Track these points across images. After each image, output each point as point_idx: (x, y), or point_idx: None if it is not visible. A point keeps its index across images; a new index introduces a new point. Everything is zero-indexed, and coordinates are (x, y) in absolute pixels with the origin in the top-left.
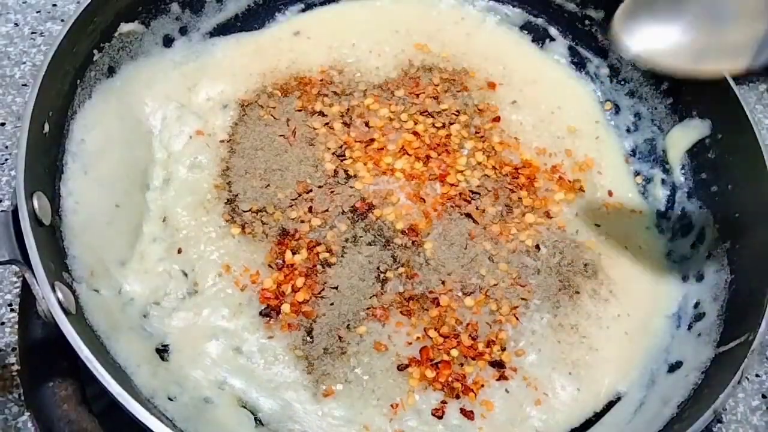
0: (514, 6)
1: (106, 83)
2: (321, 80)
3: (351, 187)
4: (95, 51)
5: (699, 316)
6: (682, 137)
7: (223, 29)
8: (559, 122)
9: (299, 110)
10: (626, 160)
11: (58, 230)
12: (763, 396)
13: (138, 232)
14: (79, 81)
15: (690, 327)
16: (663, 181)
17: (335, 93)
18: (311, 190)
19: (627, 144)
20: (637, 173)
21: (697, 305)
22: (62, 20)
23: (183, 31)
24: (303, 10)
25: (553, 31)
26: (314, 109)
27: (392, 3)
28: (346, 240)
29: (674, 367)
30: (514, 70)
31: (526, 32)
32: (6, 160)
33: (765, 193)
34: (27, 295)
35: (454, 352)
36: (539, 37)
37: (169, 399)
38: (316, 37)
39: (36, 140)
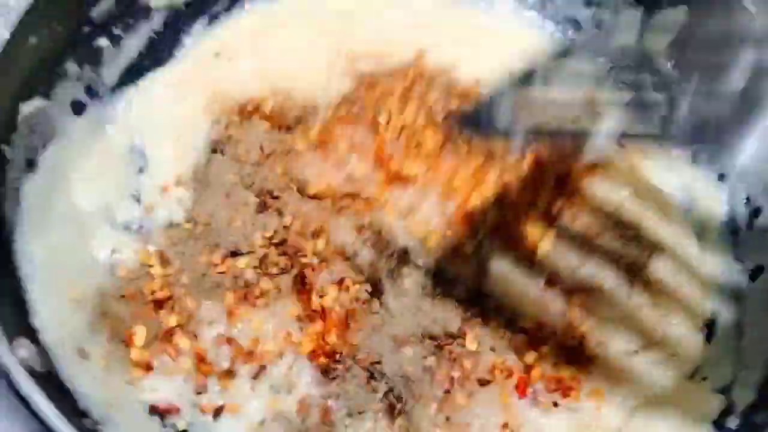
0: None
1: (30, 180)
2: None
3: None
4: (4, 146)
5: (755, 212)
6: (659, 32)
7: (133, 74)
8: None
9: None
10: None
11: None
12: None
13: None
14: (1, 188)
15: (750, 226)
16: (654, 85)
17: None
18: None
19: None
20: (623, 84)
21: (748, 200)
22: None
23: (89, 90)
24: (209, 24)
25: None
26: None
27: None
28: (371, 264)
29: (756, 273)
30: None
31: None
32: None
33: None
34: None
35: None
36: None
37: None
38: (239, 57)
39: None
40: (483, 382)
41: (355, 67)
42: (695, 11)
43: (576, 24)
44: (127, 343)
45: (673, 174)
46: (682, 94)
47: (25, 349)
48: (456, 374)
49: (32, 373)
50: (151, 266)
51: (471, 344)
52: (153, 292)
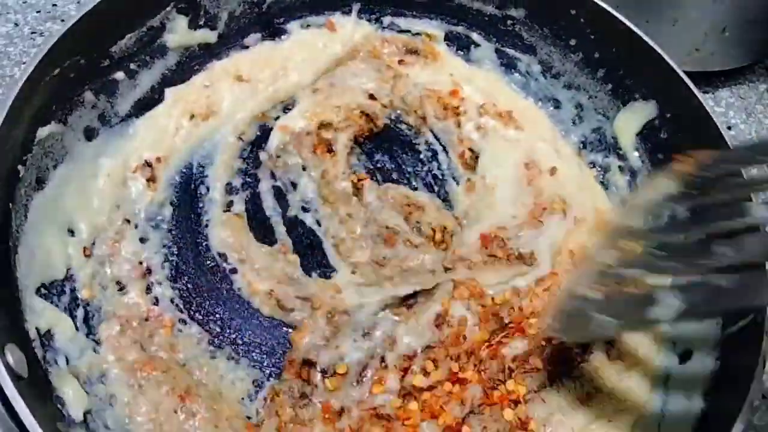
0: (431, 19)
1: (39, 197)
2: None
3: None
4: (20, 166)
5: None
6: (630, 121)
7: (144, 106)
8: None
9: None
10: (578, 154)
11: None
12: (764, 396)
13: None
14: (11, 204)
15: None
16: (620, 168)
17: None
18: None
19: (575, 137)
20: (592, 164)
21: None
22: (62, 20)
23: (102, 119)
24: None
25: (476, 36)
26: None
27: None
28: None
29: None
30: None
31: (449, 43)
32: None
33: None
34: None
35: None
36: (463, 45)
37: None
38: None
39: None
40: None
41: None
42: (663, 106)
43: (556, 102)
44: None
45: None
46: (642, 180)
47: (12, 355)
48: None
49: (18, 378)
50: None
51: None
52: None
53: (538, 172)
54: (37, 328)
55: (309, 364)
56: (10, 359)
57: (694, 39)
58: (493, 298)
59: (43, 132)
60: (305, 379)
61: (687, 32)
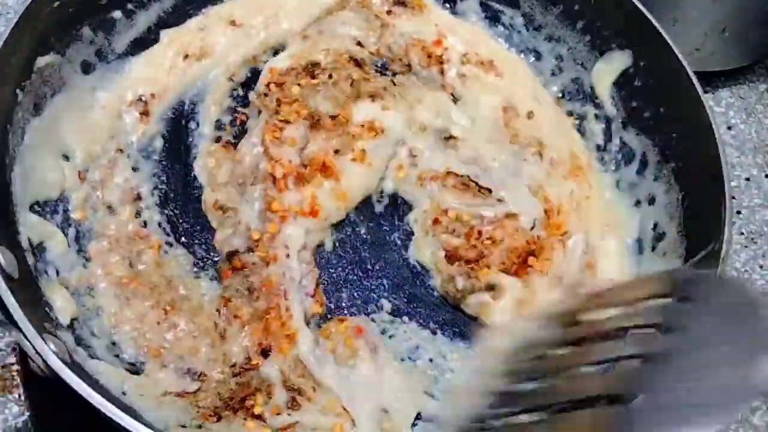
0: None
1: (35, 122)
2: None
3: None
4: (18, 91)
5: (659, 237)
6: (606, 71)
7: (140, 45)
8: None
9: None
10: (557, 103)
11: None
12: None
13: None
14: (8, 125)
15: (653, 248)
16: (596, 116)
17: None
18: None
19: (555, 87)
20: (570, 113)
21: (655, 227)
22: None
23: (99, 54)
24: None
25: None
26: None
27: None
28: None
29: None
30: None
31: None
32: None
33: (696, 108)
34: None
35: None
36: None
37: None
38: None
39: None
40: None
41: None
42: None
43: (537, 54)
44: None
45: (598, 194)
46: (616, 127)
47: (3, 255)
48: None
49: (8, 278)
50: None
51: None
52: None
53: (516, 115)
54: (29, 240)
55: (233, 254)
56: (1, 259)
57: (694, 39)
58: (447, 211)
59: (41, 61)
60: (239, 268)
61: (687, 32)
